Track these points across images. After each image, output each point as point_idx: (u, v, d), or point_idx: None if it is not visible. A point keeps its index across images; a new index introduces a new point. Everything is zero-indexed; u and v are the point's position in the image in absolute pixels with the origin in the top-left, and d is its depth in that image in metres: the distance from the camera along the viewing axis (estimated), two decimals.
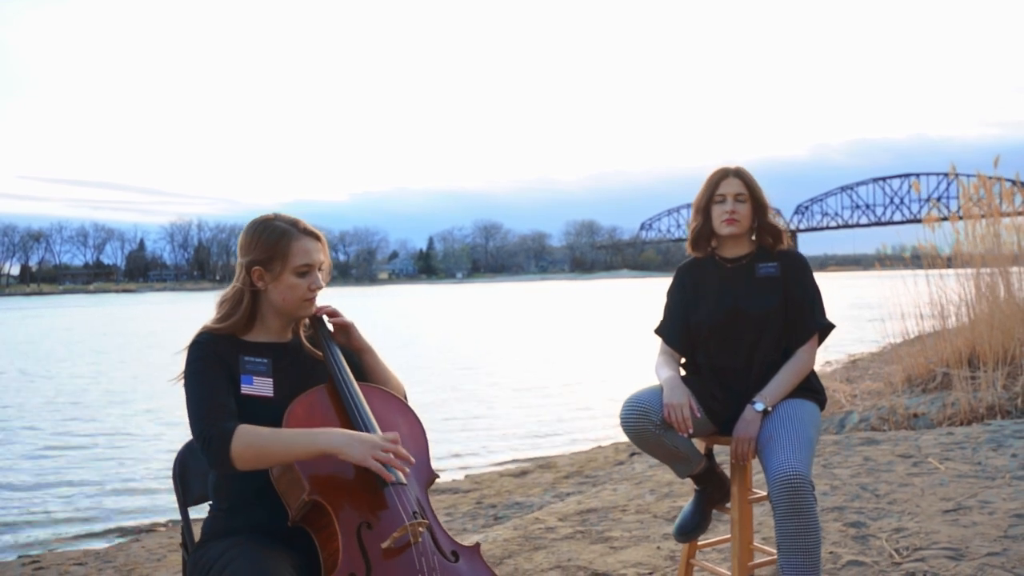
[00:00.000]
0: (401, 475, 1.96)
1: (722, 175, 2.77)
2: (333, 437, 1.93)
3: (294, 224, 2.15)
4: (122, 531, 6.88)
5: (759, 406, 2.61)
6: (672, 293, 2.90)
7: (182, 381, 2.06)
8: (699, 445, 2.85)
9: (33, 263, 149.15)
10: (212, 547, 2.01)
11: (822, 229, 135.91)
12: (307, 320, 2.24)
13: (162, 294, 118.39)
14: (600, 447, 9.33)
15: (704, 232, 2.82)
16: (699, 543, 2.99)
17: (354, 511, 1.92)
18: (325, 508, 1.90)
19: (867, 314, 9.35)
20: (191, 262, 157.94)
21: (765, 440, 2.54)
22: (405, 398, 2.31)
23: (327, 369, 2.16)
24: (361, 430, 2.02)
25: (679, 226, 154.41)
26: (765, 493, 2.62)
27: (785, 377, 2.67)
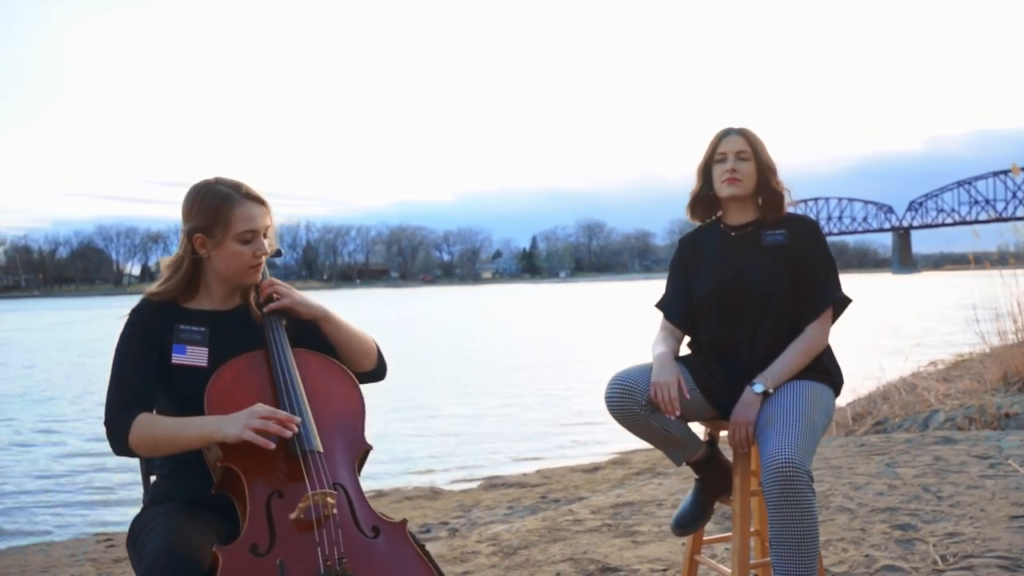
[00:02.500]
0: (318, 443, 1.88)
1: (723, 133, 2.53)
2: (212, 423, 1.87)
3: (236, 188, 2.06)
4: None
5: (758, 387, 2.37)
6: (674, 264, 2.67)
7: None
8: (701, 431, 2.62)
9: (152, 263, 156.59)
10: (148, 512, 1.99)
11: (937, 226, 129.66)
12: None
13: None
14: None
15: (702, 195, 2.58)
16: (704, 538, 2.75)
17: (267, 479, 1.83)
18: (238, 475, 1.83)
19: (975, 314, 8.81)
20: (300, 262, 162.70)
21: (763, 424, 2.30)
22: (376, 354, 2.21)
23: (263, 335, 2.07)
24: (284, 395, 1.94)
25: None
26: None
27: (791, 356, 2.41)
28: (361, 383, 2.16)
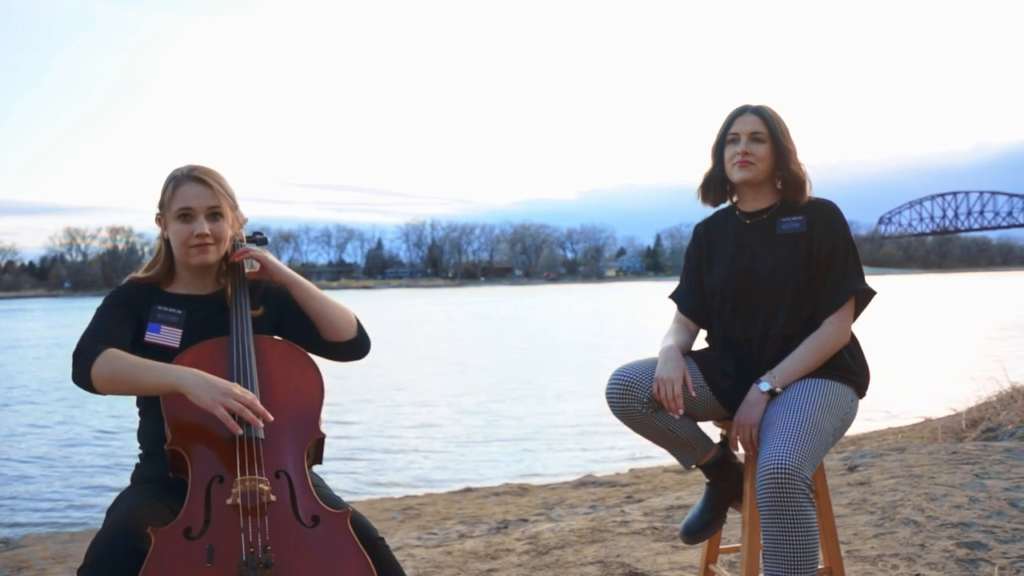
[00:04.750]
0: (259, 430, 1.85)
1: (738, 112, 2.34)
2: (185, 376, 1.85)
3: (186, 171, 2.11)
4: None
5: (764, 386, 2.18)
6: (688, 253, 2.51)
7: None
8: (716, 433, 2.44)
9: (283, 262, 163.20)
10: (125, 492, 2.04)
11: None
12: (225, 269, 2.18)
13: (398, 290, 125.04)
14: None
15: (714, 178, 2.40)
16: (720, 547, 2.57)
17: (210, 464, 1.83)
18: (184, 458, 1.84)
19: None
20: (425, 260, 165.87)
21: (765, 426, 2.12)
22: (356, 324, 2.17)
23: (230, 320, 2.07)
24: (236, 381, 1.92)
25: (921, 219, 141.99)
26: None
27: (804, 353, 2.21)
28: (342, 359, 2.14)
